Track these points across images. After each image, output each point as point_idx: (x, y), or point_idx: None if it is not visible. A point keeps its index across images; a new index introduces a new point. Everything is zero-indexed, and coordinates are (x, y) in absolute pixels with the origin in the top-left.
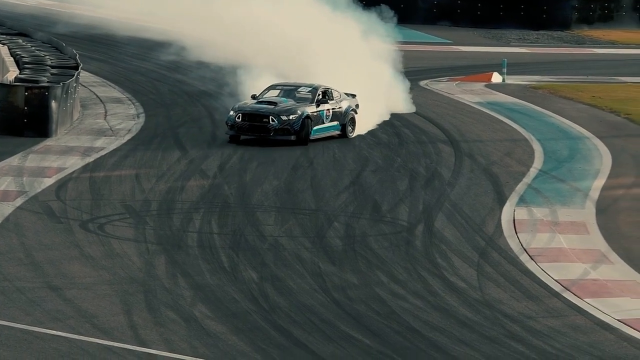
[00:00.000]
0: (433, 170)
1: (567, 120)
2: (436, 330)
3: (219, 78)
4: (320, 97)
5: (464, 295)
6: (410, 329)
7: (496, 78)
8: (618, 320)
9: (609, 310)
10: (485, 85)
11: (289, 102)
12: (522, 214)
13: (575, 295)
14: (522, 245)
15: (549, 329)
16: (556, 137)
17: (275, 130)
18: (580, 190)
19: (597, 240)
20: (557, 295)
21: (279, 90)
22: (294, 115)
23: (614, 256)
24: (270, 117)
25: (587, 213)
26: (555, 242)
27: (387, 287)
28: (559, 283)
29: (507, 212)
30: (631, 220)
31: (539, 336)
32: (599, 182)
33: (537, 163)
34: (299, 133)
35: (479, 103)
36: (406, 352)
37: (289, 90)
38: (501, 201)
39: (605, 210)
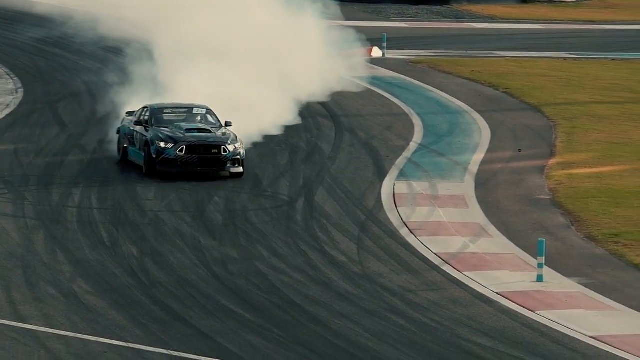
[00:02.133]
0: (313, 144)
1: (447, 95)
2: (316, 304)
3: (99, 53)
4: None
5: (344, 269)
6: (290, 302)
7: (376, 53)
8: (496, 293)
9: (488, 283)
10: (366, 60)
11: (214, 128)
12: (402, 188)
13: (455, 269)
14: (402, 219)
15: (429, 302)
16: (436, 112)
17: (228, 162)
18: (460, 164)
19: (476, 214)
20: (436, 268)
21: (168, 114)
22: (238, 144)
23: (492, 229)
24: (222, 147)
25: (467, 187)
26: (434, 215)
27: (267, 262)
28: (438, 256)
29: (387, 186)
30: (510, 194)
31: (418, 309)
32: (478, 156)
33: (417, 137)
34: (243, 164)
35: (359, 78)
36: (286, 325)
37: (183, 113)
38: (381, 175)
39: (484, 184)
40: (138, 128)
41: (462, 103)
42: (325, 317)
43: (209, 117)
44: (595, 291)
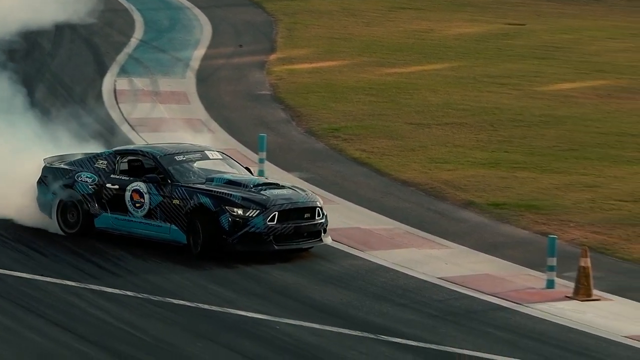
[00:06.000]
0: (33, 40)
1: None
2: None
3: None
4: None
5: None
6: None
7: None
8: None
9: None
10: None
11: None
12: (123, 84)
13: None
14: (123, 115)
15: None
16: (156, 7)
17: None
18: (181, 60)
19: (197, 110)
20: None
21: (182, 162)
22: (320, 203)
23: (214, 125)
24: (317, 209)
25: (188, 83)
26: (156, 112)
27: None
28: None
29: (108, 82)
30: (231, 90)
31: None
32: (200, 52)
33: (138, 33)
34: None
35: None
36: None
37: (197, 159)
38: (102, 72)
39: (205, 80)
40: (140, 185)
41: None
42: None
43: (232, 163)
44: (316, 185)
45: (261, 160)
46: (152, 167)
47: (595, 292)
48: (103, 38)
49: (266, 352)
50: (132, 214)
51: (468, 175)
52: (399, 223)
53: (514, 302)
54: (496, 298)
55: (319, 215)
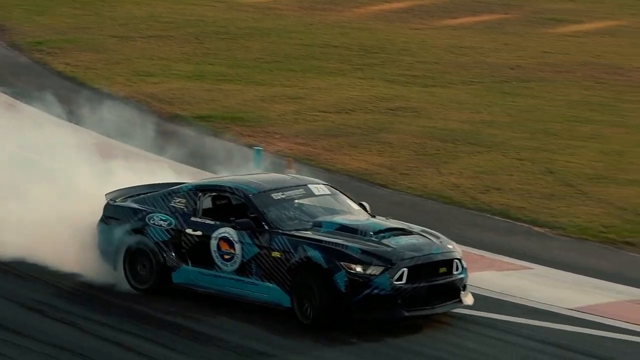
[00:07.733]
0: None
1: None
2: None
3: None
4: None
5: None
6: None
7: None
8: None
9: None
10: None
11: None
12: None
13: None
14: None
15: None
16: None
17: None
18: None
19: None
20: None
21: (279, 200)
22: (459, 253)
23: None
24: (455, 261)
25: None
26: None
27: None
28: None
29: None
30: None
31: None
32: None
33: None
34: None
35: None
36: None
37: (298, 195)
38: None
39: None
40: (229, 231)
41: None
42: None
43: (343, 200)
44: (15, 98)
45: None
46: (242, 206)
47: None
48: None
49: None
50: (219, 267)
51: (173, 88)
52: (104, 137)
53: None
54: None
55: (457, 270)
